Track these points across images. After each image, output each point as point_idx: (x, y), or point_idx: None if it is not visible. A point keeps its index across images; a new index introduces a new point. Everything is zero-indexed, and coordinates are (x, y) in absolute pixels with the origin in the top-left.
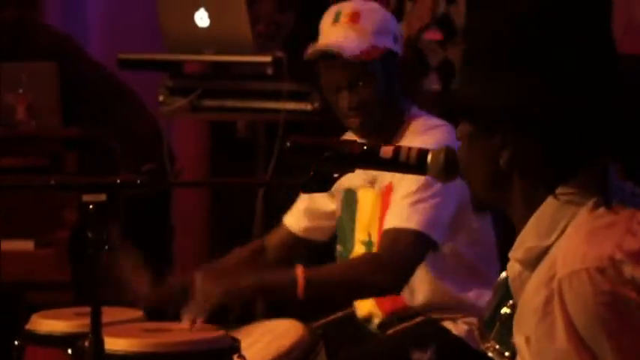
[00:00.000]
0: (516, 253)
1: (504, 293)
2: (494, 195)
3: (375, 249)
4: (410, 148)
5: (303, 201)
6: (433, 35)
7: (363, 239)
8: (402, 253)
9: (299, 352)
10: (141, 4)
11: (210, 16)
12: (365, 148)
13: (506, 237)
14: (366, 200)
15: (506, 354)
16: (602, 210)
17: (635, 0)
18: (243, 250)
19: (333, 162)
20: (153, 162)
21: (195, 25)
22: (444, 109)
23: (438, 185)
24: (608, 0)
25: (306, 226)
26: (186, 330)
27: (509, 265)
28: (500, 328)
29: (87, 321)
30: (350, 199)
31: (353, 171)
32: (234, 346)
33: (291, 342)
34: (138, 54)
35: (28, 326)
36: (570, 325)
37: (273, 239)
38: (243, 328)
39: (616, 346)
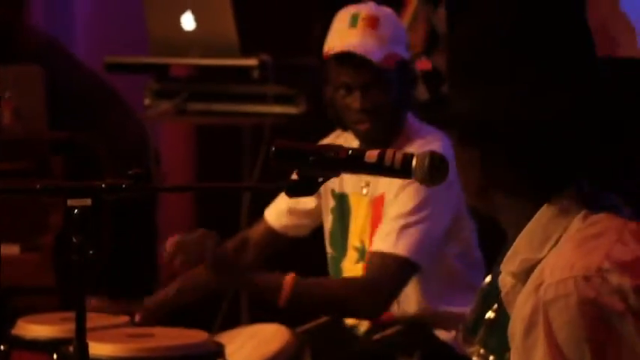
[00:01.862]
0: (509, 265)
1: (488, 298)
2: (482, 204)
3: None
4: (395, 152)
5: (285, 197)
6: (424, 65)
7: (356, 245)
8: (388, 281)
9: (285, 357)
10: (127, 7)
11: (196, 19)
12: (350, 152)
13: (491, 243)
14: (359, 207)
15: (491, 358)
16: (592, 219)
17: (602, 3)
18: (228, 244)
19: (319, 166)
20: (139, 166)
21: (182, 28)
22: (432, 118)
23: (432, 207)
24: (581, 2)
25: (287, 223)
26: (170, 335)
27: (501, 277)
28: (485, 332)
29: (72, 326)
30: (343, 204)
31: (338, 175)
32: (219, 351)
33: (277, 347)
34: (124, 57)
35: (13, 331)
36: (551, 338)
37: (254, 234)
38: (228, 332)
39: (599, 358)
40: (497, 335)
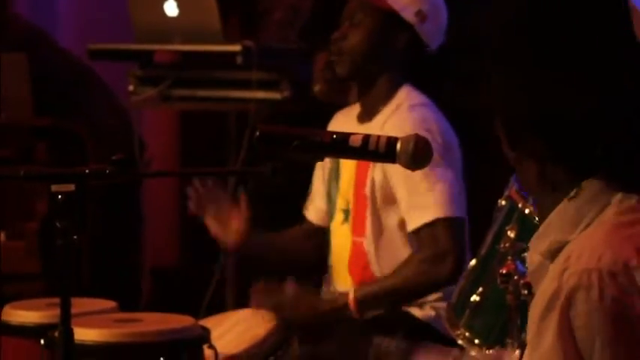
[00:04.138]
0: (538, 244)
1: (474, 280)
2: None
3: (351, 217)
4: (379, 137)
5: (318, 194)
6: None
7: (342, 207)
8: (447, 244)
9: (272, 341)
10: None
11: (179, 6)
12: (334, 137)
13: (474, 228)
14: (347, 170)
15: (476, 341)
16: (627, 206)
17: None
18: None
19: (302, 151)
20: (123, 152)
21: (165, 15)
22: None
23: (441, 159)
24: None
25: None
26: (156, 320)
27: (529, 254)
28: (470, 315)
29: (59, 311)
30: (336, 169)
31: (322, 160)
32: (204, 336)
33: (264, 332)
34: (107, 44)
35: (0, 317)
36: (566, 324)
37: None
38: (214, 317)
39: (610, 355)
40: (482, 318)
